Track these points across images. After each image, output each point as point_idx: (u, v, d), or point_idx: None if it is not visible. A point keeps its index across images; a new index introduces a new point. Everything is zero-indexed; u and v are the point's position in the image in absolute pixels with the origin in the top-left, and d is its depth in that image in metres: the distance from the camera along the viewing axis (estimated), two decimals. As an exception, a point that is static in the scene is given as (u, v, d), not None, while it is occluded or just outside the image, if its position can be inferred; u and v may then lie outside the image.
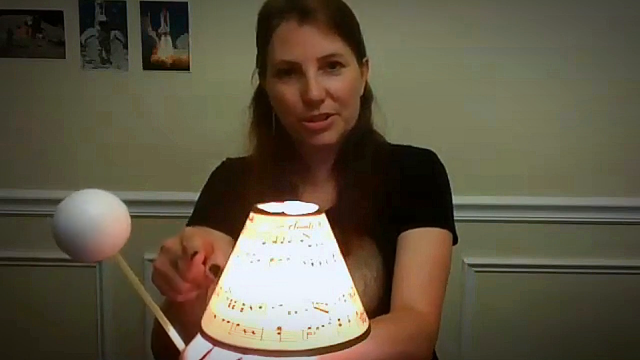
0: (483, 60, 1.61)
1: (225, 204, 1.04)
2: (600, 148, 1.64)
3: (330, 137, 0.99)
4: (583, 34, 1.60)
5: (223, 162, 1.14)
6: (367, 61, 1.07)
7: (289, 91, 0.97)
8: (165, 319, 0.60)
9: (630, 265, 1.67)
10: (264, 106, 1.06)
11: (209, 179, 1.13)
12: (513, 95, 1.63)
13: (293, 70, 0.97)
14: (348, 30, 1.00)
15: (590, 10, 1.60)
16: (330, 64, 0.97)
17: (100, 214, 0.56)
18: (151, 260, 0.79)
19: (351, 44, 1.00)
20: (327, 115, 0.98)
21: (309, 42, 0.96)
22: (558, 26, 1.60)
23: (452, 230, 1.04)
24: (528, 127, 1.63)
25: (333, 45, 0.97)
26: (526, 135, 1.64)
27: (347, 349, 0.55)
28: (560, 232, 1.66)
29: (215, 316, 0.55)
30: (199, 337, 0.58)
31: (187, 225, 1.06)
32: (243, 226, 0.58)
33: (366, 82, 1.08)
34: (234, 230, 1.01)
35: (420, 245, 0.99)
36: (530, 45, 1.60)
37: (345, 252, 0.94)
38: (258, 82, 1.09)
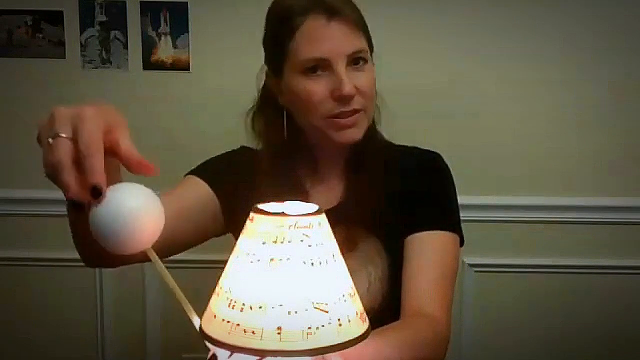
0: (483, 61, 1.61)
1: (226, 171, 1.07)
2: (600, 148, 1.64)
3: (357, 133, 0.99)
4: (583, 34, 1.60)
5: (240, 148, 1.14)
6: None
7: (317, 88, 0.96)
8: (195, 316, 0.60)
9: (630, 265, 1.67)
10: (273, 106, 1.05)
11: (223, 154, 1.13)
12: (513, 95, 1.63)
13: (320, 67, 0.96)
14: (367, 28, 1.01)
15: (590, 10, 1.59)
16: (354, 60, 0.97)
17: (139, 206, 0.57)
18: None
19: (369, 42, 1.02)
20: (355, 111, 0.97)
21: (338, 39, 0.95)
22: (558, 26, 1.60)
23: (459, 232, 1.04)
24: (528, 127, 1.64)
25: (360, 42, 0.98)
26: (526, 135, 1.64)
27: (369, 352, 0.55)
28: (560, 232, 1.66)
29: (215, 316, 0.55)
30: None
31: (185, 175, 1.08)
32: (243, 217, 0.58)
33: None
34: (224, 193, 1.04)
35: (427, 250, 0.99)
36: (531, 45, 1.60)
37: (352, 249, 0.95)
38: (263, 82, 1.08)
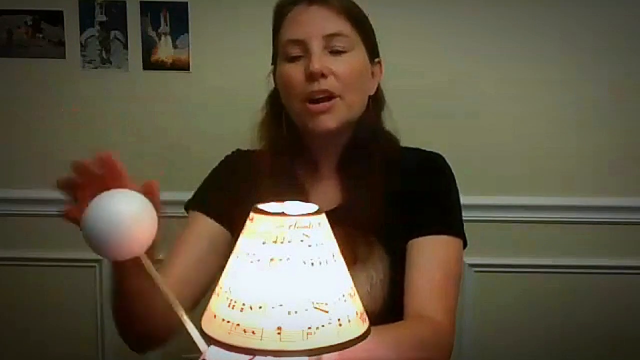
0: (483, 61, 1.61)
1: (227, 194, 1.06)
2: (600, 148, 1.64)
3: (330, 121, 0.99)
4: (583, 34, 1.60)
5: (233, 153, 1.14)
6: (379, 62, 1.07)
7: (294, 70, 0.99)
8: (189, 321, 0.60)
9: (630, 265, 1.67)
10: (276, 106, 1.07)
11: (216, 167, 1.13)
12: (513, 95, 1.63)
13: (300, 52, 0.99)
14: (357, 18, 1.02)
15: (590, 10, 1.60)
16: (336, 50, 0.99)
17: (133, 211, 0.58)
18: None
19: (360, 33, 1.02)
20: (330, 96, 0.98)
21: (315, 20, 0.98)
22: (558, 27, 1.60)
23: (462, 235, 1.04)
24: (528, 127, 1.64)
25: (339, 25, 0.99)
26: (526, 135, 1.64)
27: (363, 352, 0.55)
28: (560, 232, 1.66)
29: (215, 316, 0.55)
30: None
31: (185, 208, 1.08)
32: (244, 219, 0.58)
33: (378, 85, 1.08)
34: (231, 221, 1.02)
35: (428, 253, 0.98)
36: (531, 45, 1.60)
37: (352, 252, 0.95)
38: (273, 86, 1.09)
